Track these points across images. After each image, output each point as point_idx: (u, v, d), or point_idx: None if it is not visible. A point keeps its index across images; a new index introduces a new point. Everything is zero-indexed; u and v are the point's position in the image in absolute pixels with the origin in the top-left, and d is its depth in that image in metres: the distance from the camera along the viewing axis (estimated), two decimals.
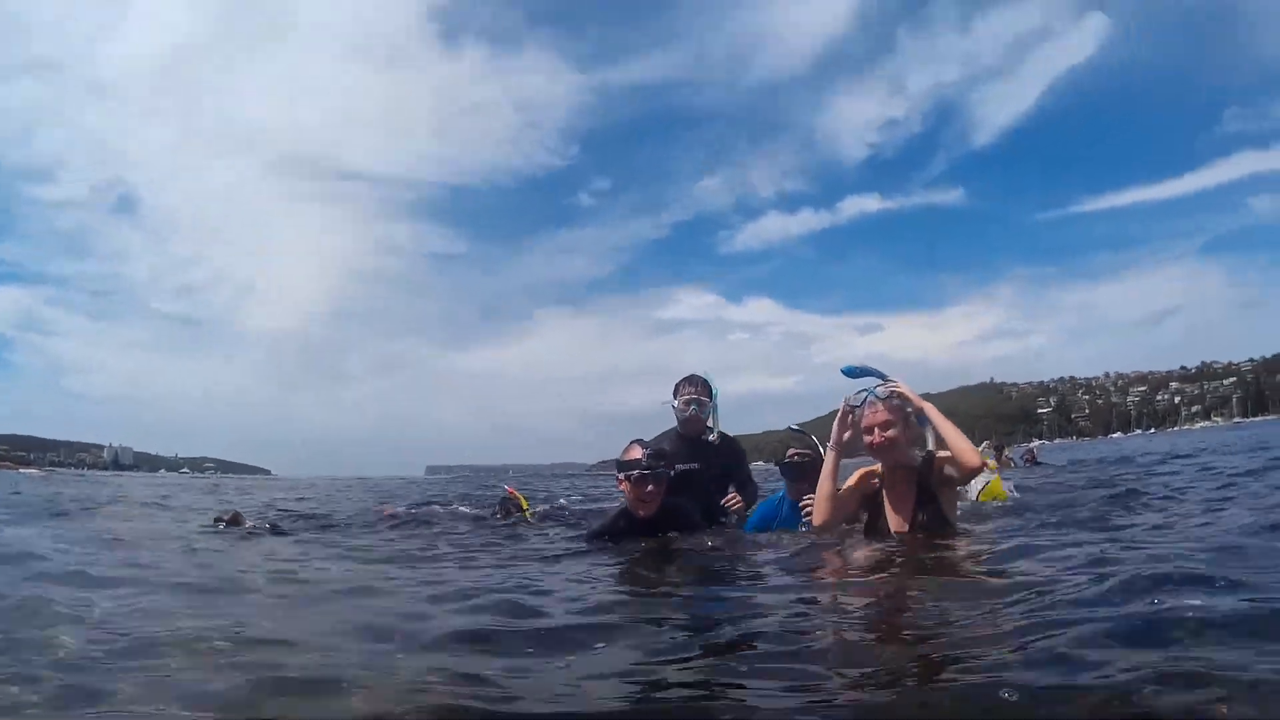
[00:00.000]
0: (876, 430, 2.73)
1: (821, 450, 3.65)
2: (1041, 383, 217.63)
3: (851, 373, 2.91)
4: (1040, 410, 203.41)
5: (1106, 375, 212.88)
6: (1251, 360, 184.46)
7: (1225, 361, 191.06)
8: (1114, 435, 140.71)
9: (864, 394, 2.80)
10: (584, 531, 3.95)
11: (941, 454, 2.77)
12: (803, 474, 3.62)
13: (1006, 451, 12.26)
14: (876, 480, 2.92)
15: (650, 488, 3.10)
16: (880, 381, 2.86)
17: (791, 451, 3.78)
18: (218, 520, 5.50)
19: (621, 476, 3.14)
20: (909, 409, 2.77)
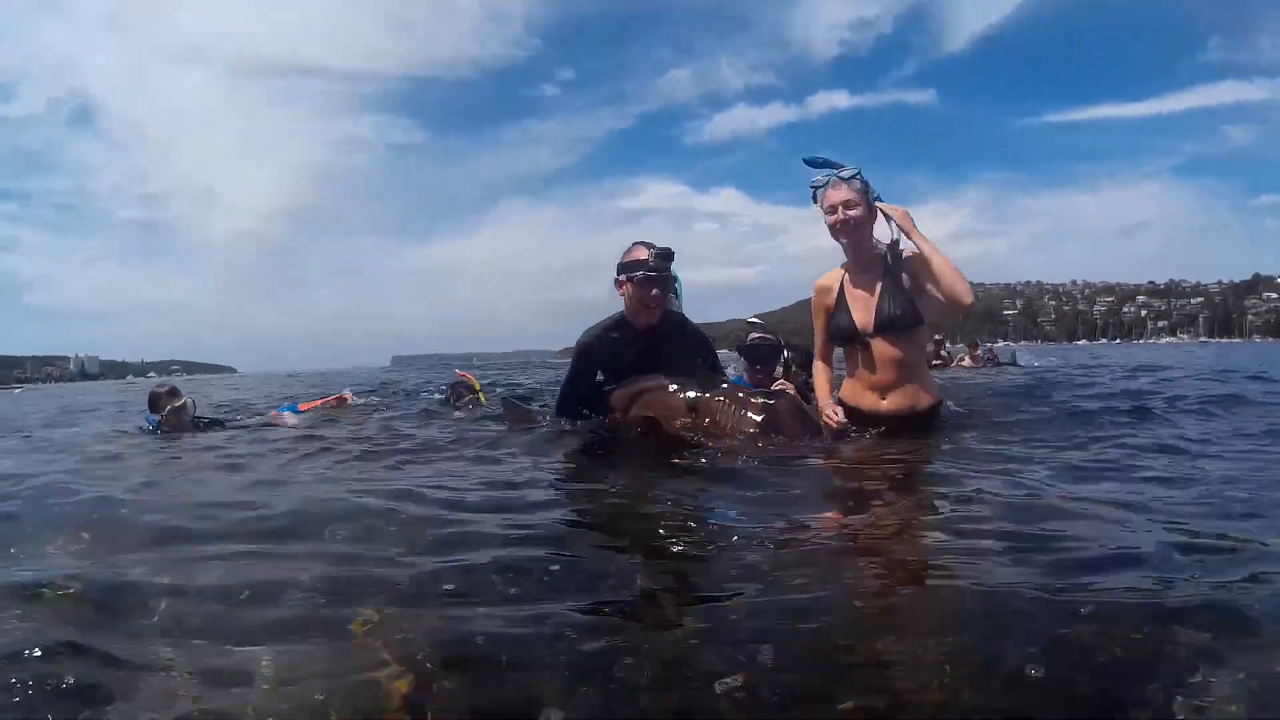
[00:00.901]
0: (840, 209, 2.54)
1: (780, 340, 3.72)
2: (1008, 285, 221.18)
3: (813, 162, 2.67)
4: (1006, 312, 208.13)
5: (1074, 283, 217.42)
6: (1220, 283, 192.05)
7: (1194, 281, 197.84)
8: (1079, 342, 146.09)
9: (829, 174, 2.58)
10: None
11: (918, 256, 2.54)
12: (763, 359, 3.66)
13: (978, 350, 11.26)
14: (838, 279, 2.72)
15: (655, 291, 2.80)
16: (855, 170, 2.61)
17: (753, 336, 3.75)
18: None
19: (623, 278, 2.82)
20: (873, 196, 2.57)
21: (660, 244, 2.84)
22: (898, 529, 1.63)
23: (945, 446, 2.49)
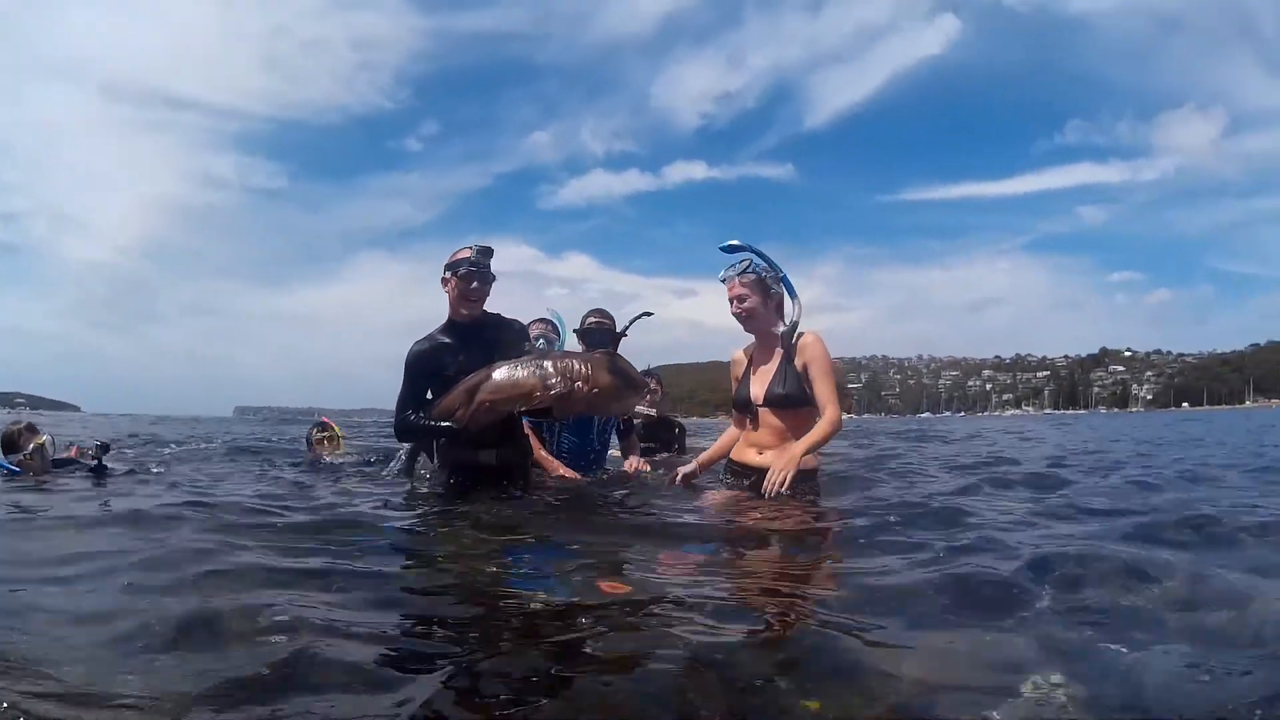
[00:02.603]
0: (734, 302, 2.98)
1: (616, 325, 3.89)
2: (854, 359, 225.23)
3: (726, 248, 3.05)
4: (850, 385, 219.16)
5: (919, 357, 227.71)
6: (1066, 356, 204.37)
7: (1040, 355, 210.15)
8: (923, 415, 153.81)
9: (731, 269, 3.01)
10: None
11: (808, 342, 2.93)
12: (598, 342, 3.76)
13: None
14: (747, 355, 3.13)
15: (475, 284, 2.89)
16: (749, 259, 3.01)
17: (591, 320, 3.92)
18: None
19: (448, 275, 2.91)
20: (769, 280, 2.98)
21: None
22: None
23: (801, 498, 2.83)
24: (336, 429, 5.51)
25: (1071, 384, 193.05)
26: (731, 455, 3.19)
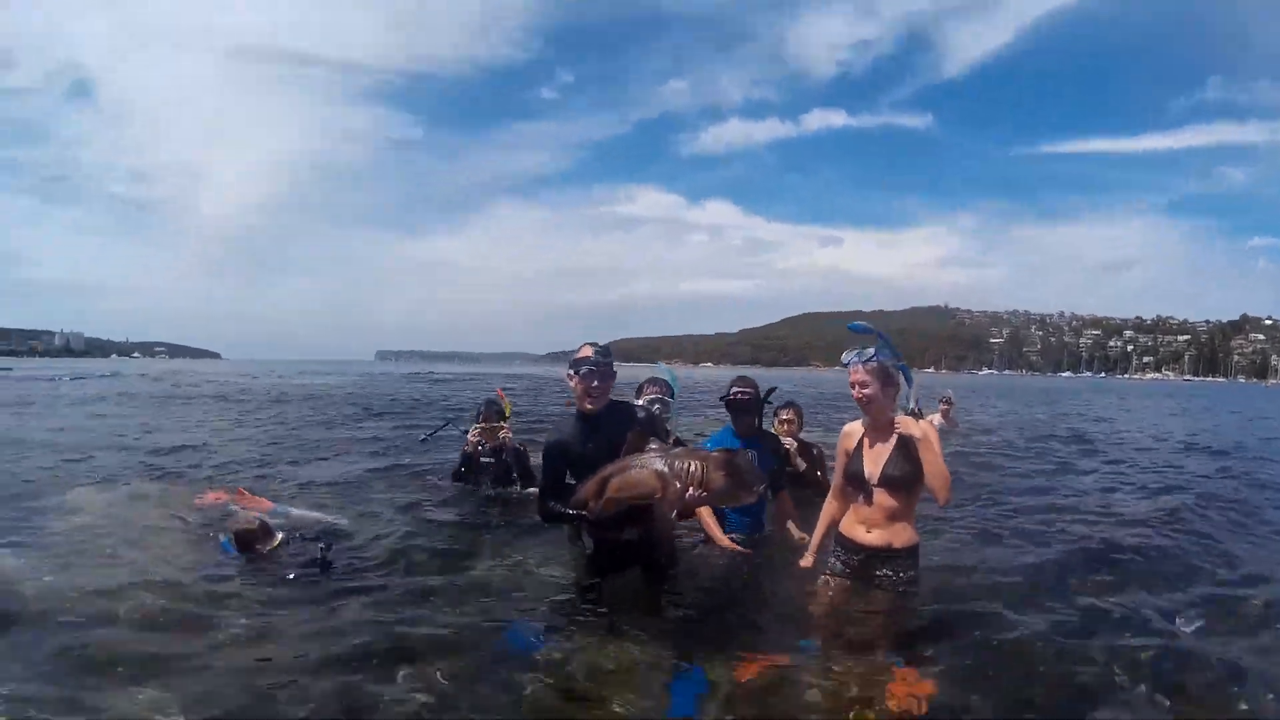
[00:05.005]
0: (857, 387, 3.17)
1: (760, 391, 4.13)
2: (995, 313, 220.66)
3: (856, 328, 3.27)
4: (992, 340, 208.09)
5: (1061, 314, 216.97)
6: (1207, 322, 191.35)
7: (1181, 319, 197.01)
8: (1064, 374, 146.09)
9: (855, 355, 3.20)
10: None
11: (927, 428, 3.11)
12: (746, 410, 4.03)
13: (951, 411, 11.11)
14: (861, 431, 3.30)
15: (596, 383, 3.20)
16: (877, 346, 3.20)
17: (735, 390, 4.08)
18: (234, 535, 3.89)
19: (571, 372, 3.24)
20: (890, 367, 3.16)
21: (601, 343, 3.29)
22: None
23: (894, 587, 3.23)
24: (507, 405, 5.77)
25: (1212, 350, 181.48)
26: (842, 529, 3.38)
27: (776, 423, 5.02)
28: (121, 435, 9.20)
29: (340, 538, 4.27)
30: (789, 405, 5.15)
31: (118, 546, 3.97)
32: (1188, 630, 3.06)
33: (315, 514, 4.74)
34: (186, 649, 2.66)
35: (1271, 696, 2.38)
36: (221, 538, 3.99)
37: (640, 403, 4.16)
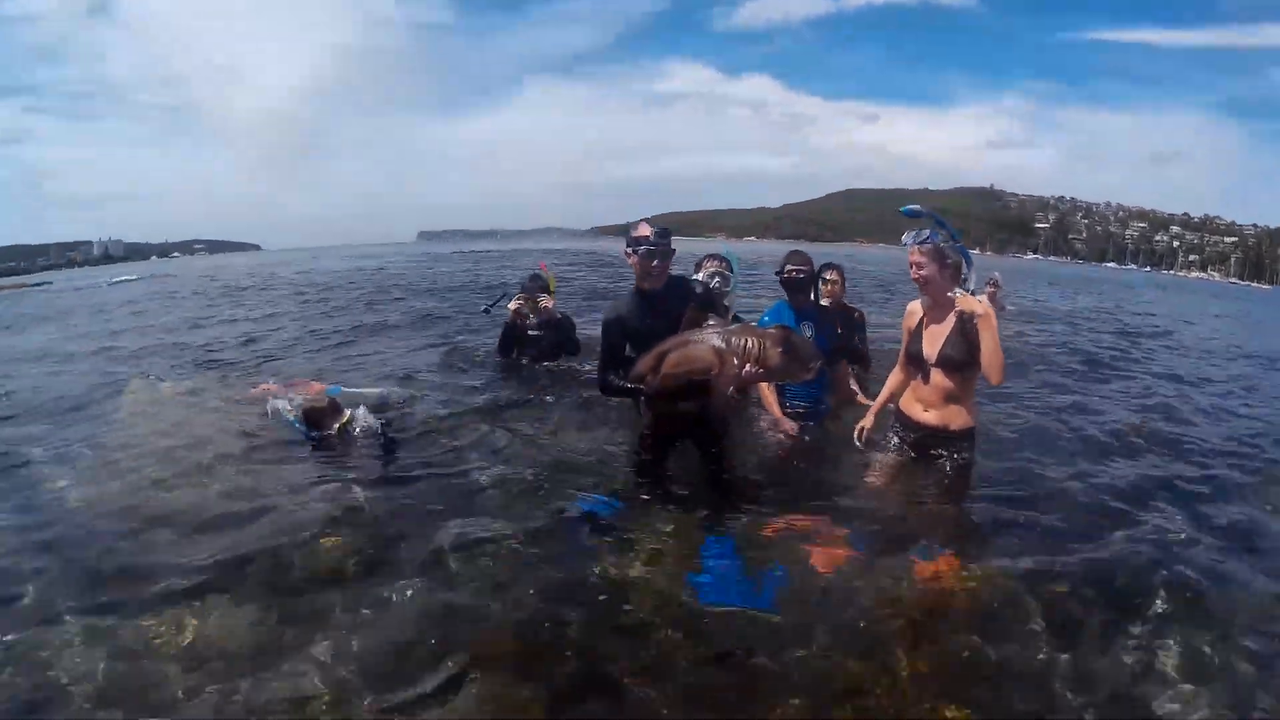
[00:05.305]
0: (914, 268, 3.18)
1: (814, 267, 4.16)
2: (1042, 197, 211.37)
3: (908, 212, 3.23)
4: (1038, 225, 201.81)
5: (1108, 204, 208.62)
6: (1255, 226, 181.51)
7: (1229, 220, 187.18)
8: (1109, 264, 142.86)
9: (911, 236, 3.18)
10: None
11: (988, 307, 3.08)
12: (800, 288, 4.10)
13: (998, 294, 10.09)
14: (922, 310, 3.32)
15: (656, 262, 3.24)
16: (931, 228, 3.14)
17: (790, 268, 4.10)
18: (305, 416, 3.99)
19: (630, 251, 3.26)
20: (946, 249, 3.14)
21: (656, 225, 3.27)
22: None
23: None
24: (551, 279, 5.69)
25: (1259, 255, 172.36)
26: (901, 405, 3.41)
27: (822, 284, 4.74)
28: (166, 334, 9.28)
29: (398, 408, 4.42)
30: (832, 266, 4.93)
31: (175, 448, 3.92)
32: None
33: (375, 389, 4.83)
34: (246, 547, 2.70)
35: None
36: (290, 416, 4.10)
37: (700, 277, 4.13)
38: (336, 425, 3.87)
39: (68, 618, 2.17)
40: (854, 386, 4.43)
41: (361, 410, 4.03)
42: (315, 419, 3.91)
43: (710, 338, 2.97)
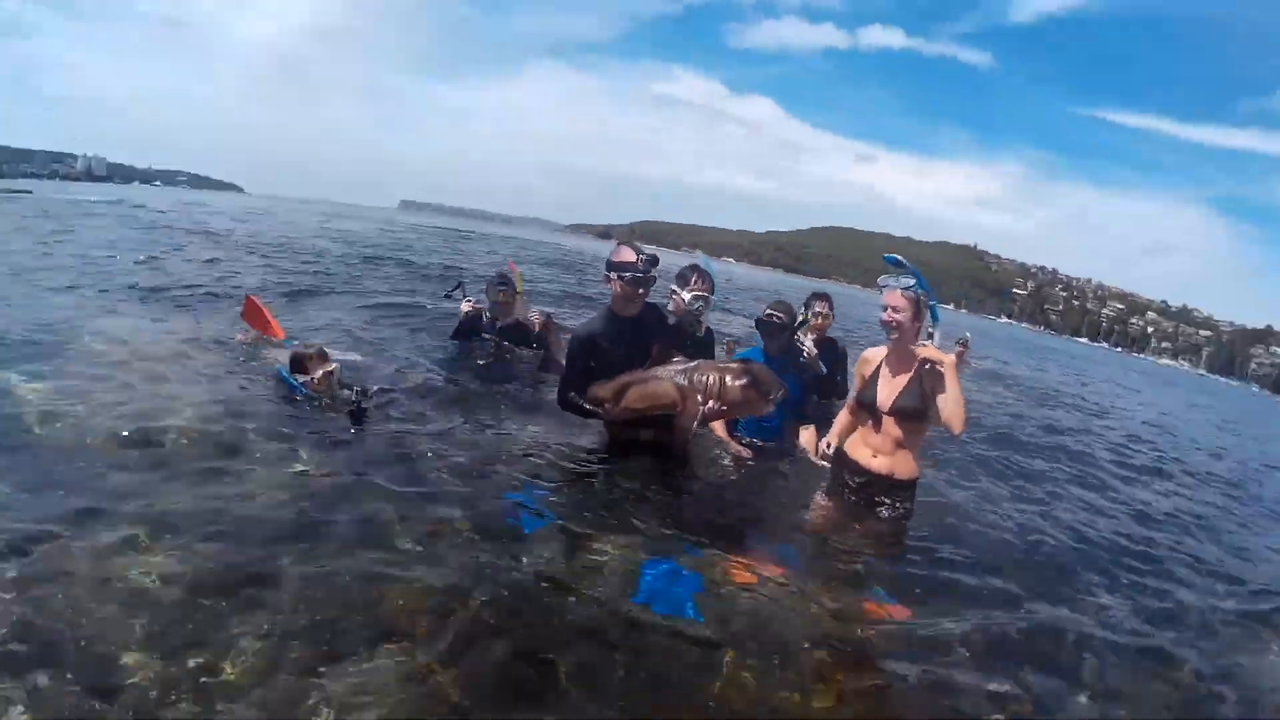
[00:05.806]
0: (889, 309, 3.17)
1: (794, 318, 4.19)
2: (1024, 264, 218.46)
3: (891, 260, 3.24)
4: (1016, 290, 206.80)
5: (1089, 280, 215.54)
6: (1231, 323, 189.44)
7: (1206, 314, 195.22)
8: (1080, 340, 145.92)
9: (895, 280, 3.20)
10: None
11: (949, 358, 3.13)
12: (774, 334, 4.12)
13: (966, 354, 10.66)
14: (880, 358, 3.33)
15: (642, 291, 3.24)
16: (911, 281, 3.19)
17: (769, 312, 4.15)
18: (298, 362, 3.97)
19: (613, 276, 3.23)
20: (922, 301, 3.18)
21: (645, 254, 3.24)
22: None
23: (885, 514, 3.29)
24: (519, 283, 5.56)
25: (1231, 353, 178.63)
26: (847, 449, 3.44)
27: (812, 316, 4.74)
28: (139, 266, 9.15)
29: (366, 378, 4.42)
30: (822, 298, 4.89)
31: (138, 380, 3.98)
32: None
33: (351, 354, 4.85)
34: (199, 488, 2.77)
35: None
36: (277, 365, 4.17)
37: (685, 296, 4.16)
38: (320, 372, 3.90)
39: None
40: (804, 442, 4.27)
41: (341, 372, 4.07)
42: (299, 361, 3.96)
43: (673, 375, 3.02)
